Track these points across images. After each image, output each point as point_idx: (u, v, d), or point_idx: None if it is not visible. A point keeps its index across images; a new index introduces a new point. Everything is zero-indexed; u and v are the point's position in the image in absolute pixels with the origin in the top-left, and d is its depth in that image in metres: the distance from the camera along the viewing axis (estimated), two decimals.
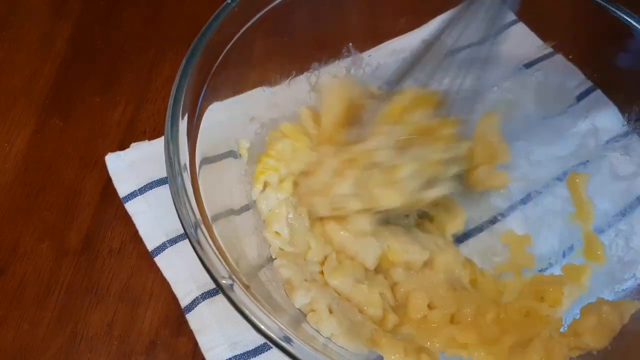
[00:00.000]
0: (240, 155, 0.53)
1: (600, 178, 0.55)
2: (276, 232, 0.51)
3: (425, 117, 0.49)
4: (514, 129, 0.58)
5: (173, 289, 0.52)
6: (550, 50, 0.57)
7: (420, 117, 0.49)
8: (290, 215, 0.51)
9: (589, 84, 0.56)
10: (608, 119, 0.55)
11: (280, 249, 0.50)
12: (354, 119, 0.51)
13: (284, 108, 0.56)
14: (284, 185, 0.52)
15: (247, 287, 0.38)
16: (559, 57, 0.57)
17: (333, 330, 0.45)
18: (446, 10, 0.44)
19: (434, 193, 0.49)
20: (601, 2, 0.51)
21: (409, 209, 0.52)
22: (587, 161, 0.56)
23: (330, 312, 0.46)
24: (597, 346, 0.44)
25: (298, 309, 0.47)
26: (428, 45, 0.46)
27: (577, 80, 0.56)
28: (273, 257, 0.50)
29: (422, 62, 0.47)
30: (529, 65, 0.59)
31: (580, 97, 0.57)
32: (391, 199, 0.48)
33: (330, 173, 0.49)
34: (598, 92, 0.56)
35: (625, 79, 0.54)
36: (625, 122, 0.54)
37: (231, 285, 0.38)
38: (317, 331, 0.45)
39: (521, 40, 0.59)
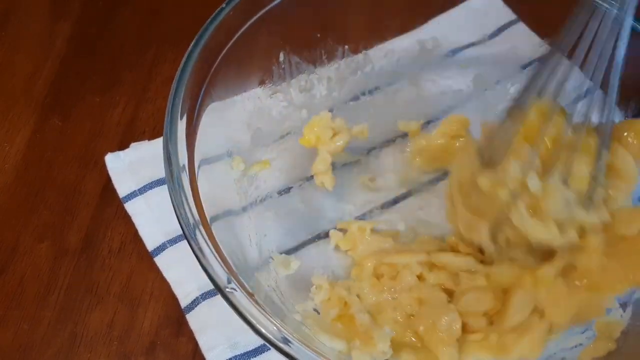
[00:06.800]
0: (233, 167, 0.52)
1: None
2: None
3: (561, 130, 0.44)
4: None
5: (173, 289, 0.52)
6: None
7: (555, 130, 0.44)
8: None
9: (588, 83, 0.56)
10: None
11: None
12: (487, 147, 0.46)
13: (283, 109, 0.56)
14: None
15: (245, 289, 0.38)
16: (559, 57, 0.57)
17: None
18: (440, 12, 0.43)
19: (594, 217, 0.43)
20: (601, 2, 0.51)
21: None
22: None
23: None
24: None
25: (298, 312, 0.47)
26: (547, 58, 0.43)
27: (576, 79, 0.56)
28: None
29: (545, 74, 0.43)
30: (527, 65, 0.59)
31: (579, 97, 0.57)
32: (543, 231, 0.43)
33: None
34: (598, 92, 0.56)
35: (624, 78, 0.53)
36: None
37: (230, 287, 0.38)
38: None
39: (521, 40, 0.59)
